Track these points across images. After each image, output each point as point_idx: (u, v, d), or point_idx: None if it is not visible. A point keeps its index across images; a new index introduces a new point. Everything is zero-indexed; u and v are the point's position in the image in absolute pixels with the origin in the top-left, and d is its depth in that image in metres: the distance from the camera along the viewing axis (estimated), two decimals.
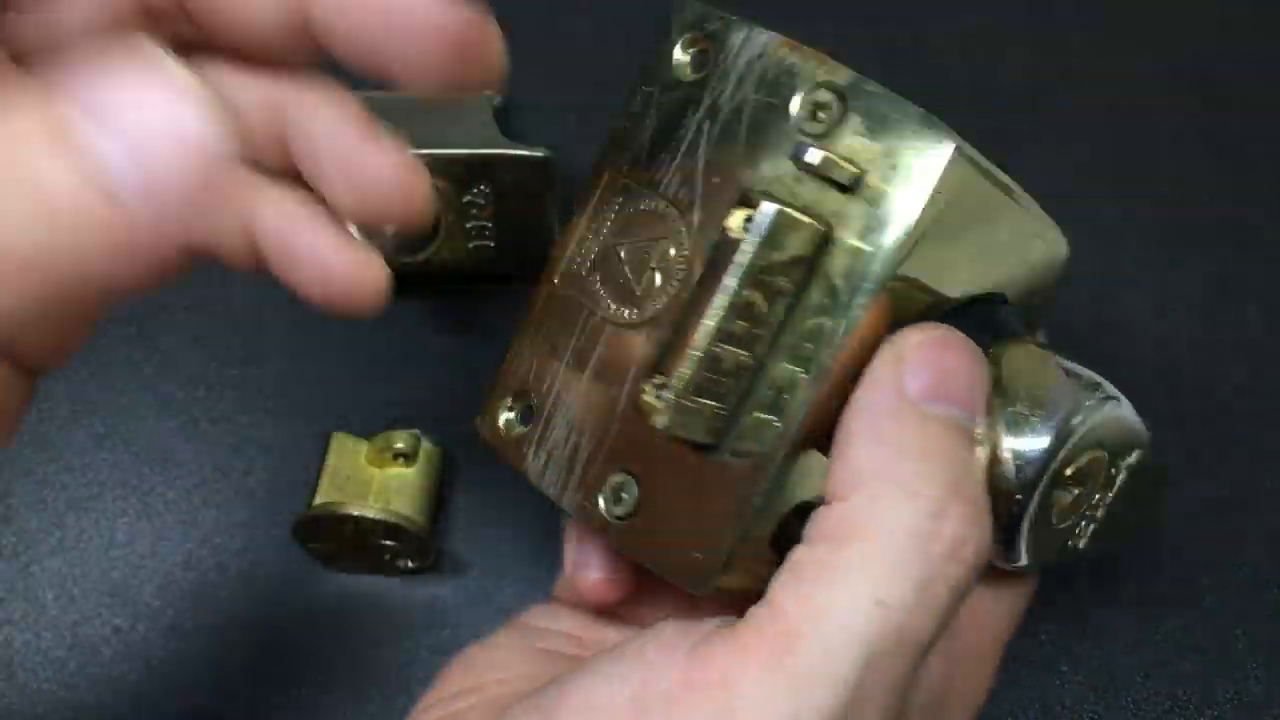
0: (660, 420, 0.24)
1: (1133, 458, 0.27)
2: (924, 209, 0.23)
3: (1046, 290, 0.29)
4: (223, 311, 0.42)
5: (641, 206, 0.27)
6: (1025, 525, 0.25)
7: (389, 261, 0.24)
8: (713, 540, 0.25)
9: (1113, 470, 0.27)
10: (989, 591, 0.28)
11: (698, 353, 0.24)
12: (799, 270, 0.24)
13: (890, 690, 0.22)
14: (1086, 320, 0.43)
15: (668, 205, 0.26)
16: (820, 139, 0.24)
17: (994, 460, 0.25)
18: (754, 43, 0.25)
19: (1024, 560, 0.26)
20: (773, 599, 0.22)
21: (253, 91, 0.23)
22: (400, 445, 0.38)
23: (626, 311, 0.27)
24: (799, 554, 0.23)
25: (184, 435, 0.40)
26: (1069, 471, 0.25)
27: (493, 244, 0.41)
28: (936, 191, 0.23)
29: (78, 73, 0.17)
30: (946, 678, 0.26)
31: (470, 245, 0.41)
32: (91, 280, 0.18)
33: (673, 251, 0.26)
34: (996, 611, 0.28)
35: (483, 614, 0.38)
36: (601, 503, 0.26)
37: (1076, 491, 0.26)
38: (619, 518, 0.26)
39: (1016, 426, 0.25)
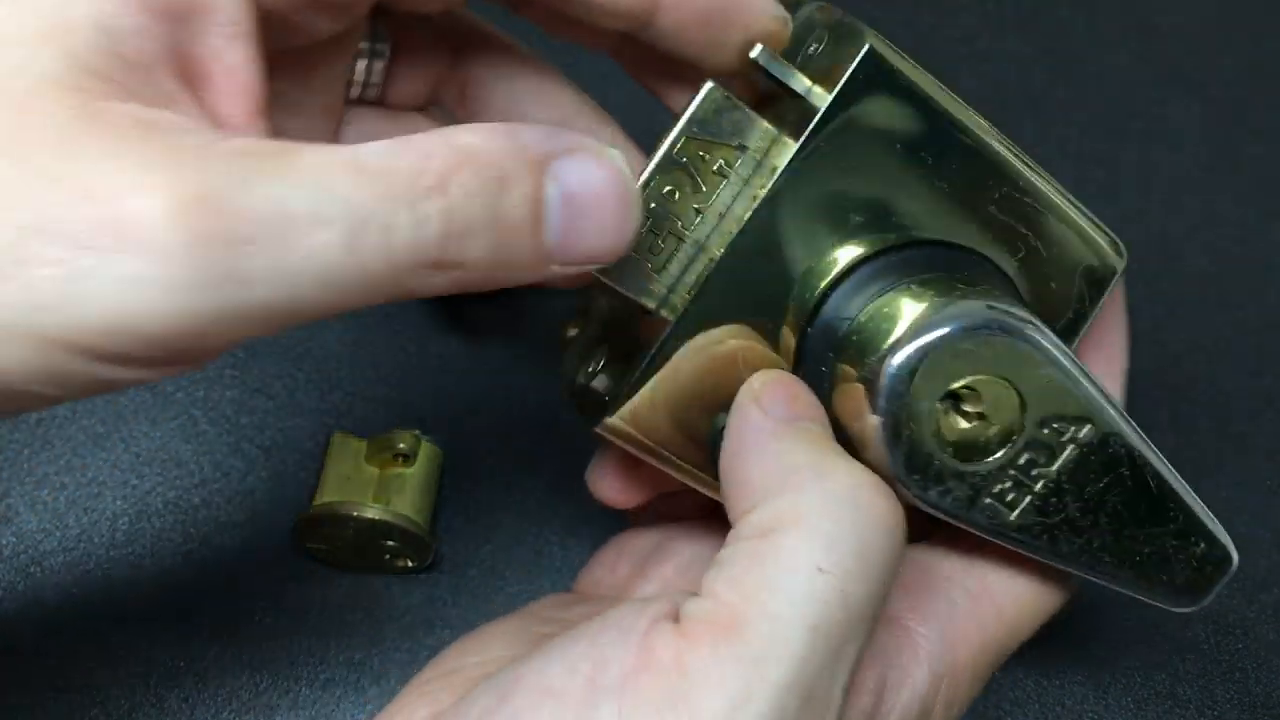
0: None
1: (1083, 432, 0.26)
2: (831, 101, 0.25)
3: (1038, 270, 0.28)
4: None
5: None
6: (892, 426, 0.25)
7: None
8: (628, 382, 0.26)
9: (1045, 428, 0.25)
10: (990, 610, 0.28)
11: None
12: (744, 160, 0.25)
13: (842, 660, 0.22)
14: None
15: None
16: (805, 67, 0.26)
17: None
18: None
19: (902, 474, 0.25)
20: (708, 591, 0.22)
21: None
22: (400, 445, 0.38)
23: None
24: (723, 553, 0.23)
25: (184, 435, 0.40)
26: (955, 386, 0.25)
27: None
28: (847, 85, 0.25)
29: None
30: (932, 690, 0.26)
31: None
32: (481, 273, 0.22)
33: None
34: (994, 633, 0.28)
35: (483, 614, 0.38)
36: (579, 378, 0.29)
37: (974, 421, 0.25)
38: (586, 384, 0.29)
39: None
